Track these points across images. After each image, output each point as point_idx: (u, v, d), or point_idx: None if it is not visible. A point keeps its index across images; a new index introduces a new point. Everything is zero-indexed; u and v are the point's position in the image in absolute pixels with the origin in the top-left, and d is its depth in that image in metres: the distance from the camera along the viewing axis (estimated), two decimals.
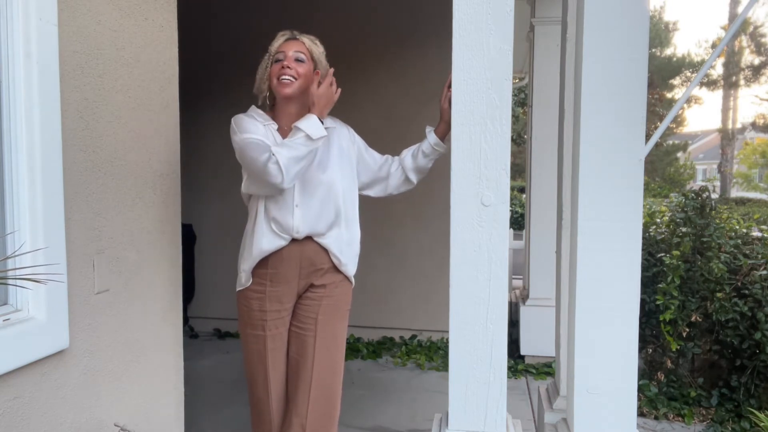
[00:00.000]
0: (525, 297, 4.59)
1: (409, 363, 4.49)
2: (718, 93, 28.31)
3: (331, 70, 2.07)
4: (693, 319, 3.59)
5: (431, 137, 2.22)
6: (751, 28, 23.78)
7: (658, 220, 4.30)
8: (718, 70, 25.77)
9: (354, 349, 4.67)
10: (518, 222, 13.37)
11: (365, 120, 3.45)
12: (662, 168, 24.04)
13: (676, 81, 25.31)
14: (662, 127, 1.93)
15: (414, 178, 2.29)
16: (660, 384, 3.70)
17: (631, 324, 1.72)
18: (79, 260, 1.80)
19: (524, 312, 4.45)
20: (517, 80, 7.45)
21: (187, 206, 2.61)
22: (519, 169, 18.26)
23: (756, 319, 3.43)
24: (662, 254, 3.80)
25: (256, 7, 4.78)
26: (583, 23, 1.69)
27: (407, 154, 2.27)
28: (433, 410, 2.94)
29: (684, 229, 3.78)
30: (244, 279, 2.14)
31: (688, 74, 25.00)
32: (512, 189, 11.91)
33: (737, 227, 3.97)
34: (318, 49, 2.13)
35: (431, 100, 4.31)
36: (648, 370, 3.85)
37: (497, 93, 1.64)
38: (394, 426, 3.40)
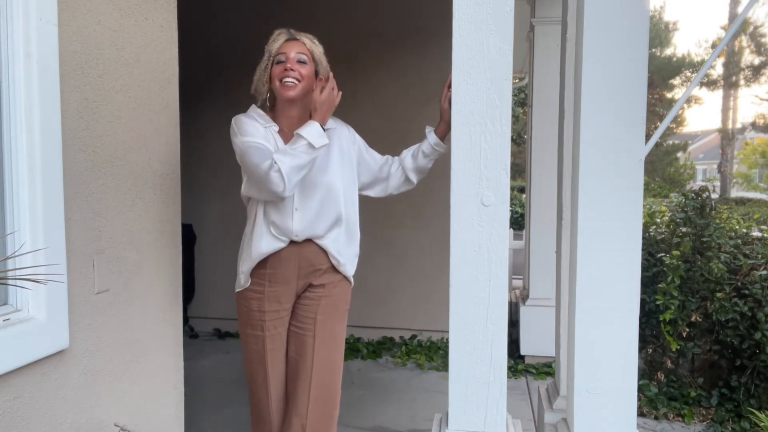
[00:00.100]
0: (525, 297, 4.59)
1: (409, 363, 4.49)
2: (718, 93, 28.33)
3: (332, 76, 2.05)
4: (693, 319, 3.59)
5: (431, 137, 2.22)
6: (751, 28, 23.79)
7: (658, 220, 4.30)
8: (718, 70, 25.80)
9: (354, 349, 4.67)
10: (518, 222, 13.37)
11: (365, 120, 3.45)
12: (662, 168, 24.04)
13: (676, 81, 25.31)
14: (662, 127, 1.93)
15: (414, 178, 2.28)
16: (660, 384, 3.70)
17: (631, 324, 1.72)
18: (79, 260, 1.80)
19: (524, 312, 4.45)
20: (517, 80, 7.45)
21: (187, 206, 2.61)
22: (519, 169, 18.26)
23: (756, 319, 3.43)
24: (662, 254, 3.80)
25: (256, 7, 4.78)
26: (583, 23, 1.69)
27: (407, 154, 2.27)
28: (433, 410, 2.94)
29: (684, 229, 3.78)
30: (243, 280, 2.14)
31: (688, 74, 25.01)
32: (512, 189, 11.92)
33: (737, 227, 3.98)
34: (318, 49, 2.11)
35: (431, 100, 4.31)
36: (648, 370, 3.85)
37: (497, 93, 1.64)
38: (394, 426, 3.40)
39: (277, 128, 2.09)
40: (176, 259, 2.27)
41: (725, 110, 26.80)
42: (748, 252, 3.72)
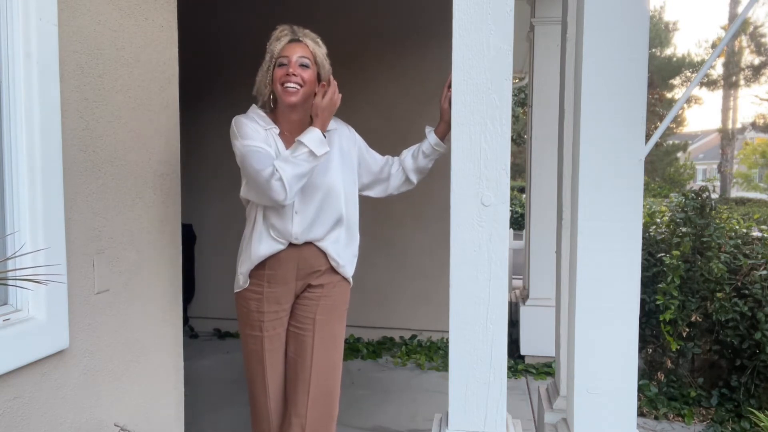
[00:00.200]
0: (525, 297, 4.59)
1: (409, 363, 4.49)
2: (718, 93, 28.33)
3: (334, 81, 2.03)
4: (693, 319, 3.59)
5: (431, 137, 2.21)
6: (751, 28, 23.78)
7: (658, 220, 4.30)
8: (718, 70, 25.80)
9: (354, 349, 4.67)
10: (518, 222, 13.36)
11: (365, 120, 3.45)
12: (662, 168, 24.04)
13: (676, 81, 25.31)
14: (662, 127, 1.93)
15: (414, 178, 2.28)
16: (660, 384, 3.70)
17: (631, 324, 1.72)
18: (79, 260, 1.80)
19: (524, 312, 4.45)
20: (517, 80, 7.45)
21: (187, 206, 2.61)
22: (519, 169, 18.26)
23: (756, 319, 3.43)
24: (662, 254, 3.80)
25: (256, 7, 4.78)
26: (583, 23, 1.69)
27: (407, 154, 2.27)
28: (433, 410, 2.94)
29: (684, 229, 3.78)
30: (241, 281, 2.14)
31: (688, 74, 25.01)
32: (512, 189, 11.91)
33: (737, 227, 3.98)
34: (321, 51, 2.08)
35: (431, 100, 4.31)
36: (648, 370, 3.85)
37: (497, 93, 1.64)
38: (394, 426, 3.40)
39: (277, 131, 2.08)
40: (176, 259, 2.27)
41: (725, 110, 26.81)
42: (748, 252, 3.73)
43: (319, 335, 2.13)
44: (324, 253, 2.13)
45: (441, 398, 3.38)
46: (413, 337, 4.86)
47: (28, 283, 1.29)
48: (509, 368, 4.18)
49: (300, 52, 2.03)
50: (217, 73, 4.94)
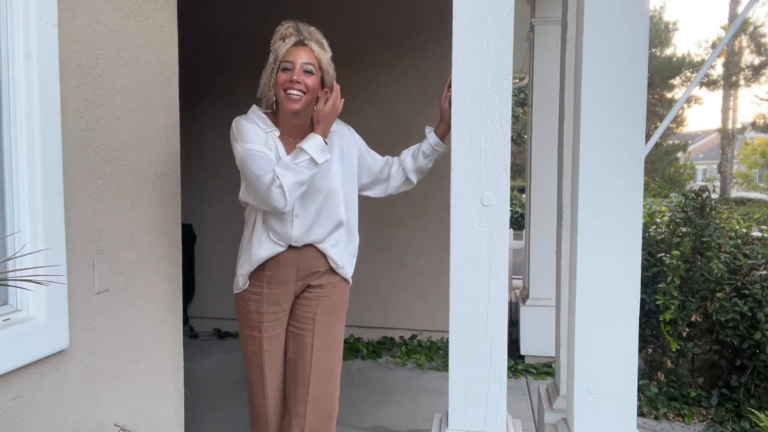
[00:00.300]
0: (525, 297, 4.59)
1: (409, 363, 4.49)
2: (718, 93, 28.33)
3: (338, 87, 2.02)
4: (693, 319, 3.59)
5: (431, 137, 2.21)
6: (751, 28, 23.78)
7: (658, 220, 4.30)
8: (718, 70, 25.80)
9: (354, 349, 4.67)
10: (518, 222, 13.37)
11: (365, 120, 3.45)
12: (662, 168, 24.04)
13: (676, 81, 25.31)
14: (662, 127, 1.93)
15: (414, 178, 2.28)
16: (660, 384, 3.70)
17: (631, 324, 1.72)
18: (79, 260, 1.80)
19: (524, 312, 4.45)
20: (517, 80, 7.45)
21: (187, 206, 2.61)
22: (519, 169, 18.26)
23: (756, 319, 3.43)
24: (662, 254, 3.80)
25: (256, 7, 4.78)
26: (583, 23, 1.69)
27: (407, 154, 2.26)
28: (433, 410, 2.94)
29: (684, 229, 3.78)
30: (241, 283, 2.14)
31: (688, 74, 25.01)
32: (512, 189, 11.92)
33: (737, 227, 3.98)
34: (326, 57, 2.04)
35: (431, 100, 4.31)
36: (648, 370, 3.84)
37: (497, 93, 1.64)
38: (394, 426, 3.40)
39: (278, 133, 2.07)
40: (176, 259, 2.27)
41: (725, 110, 26.81)
42: (748, 252, 3.72)
43: (319, 335, 2.13)
44: (324, 255, 2.13)
45: (441, 398, 3.38)
46: (413, 337, 4.86)
47: (29, 283, 1.29)
48: (509, 368, 4.18)
49: (305, 58, 2.00)
50: (217, 73, 4.94)
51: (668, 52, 26.04)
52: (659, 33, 25.47)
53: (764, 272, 3.50)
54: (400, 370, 4.36)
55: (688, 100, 25.34)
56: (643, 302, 3.59)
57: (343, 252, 2.17)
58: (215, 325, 5.07)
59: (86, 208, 1.83)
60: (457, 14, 1.64)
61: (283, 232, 2.06)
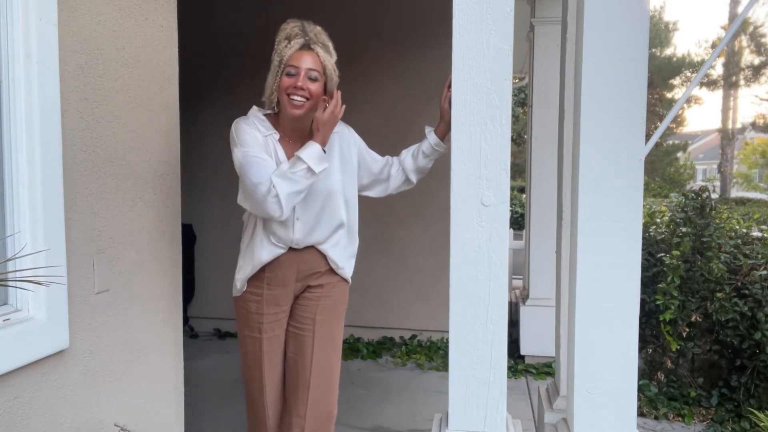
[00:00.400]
0: (525, 297, 4.59)
1: (409, 363, 4.49)
2: (718, 93, 28.34)
3: (339, 93, 2.00)
4: (693, 319, 3.59)
5: (431, 137, 2.21)
6: (751, 28, 23.79)
7: (658, 220, 4.31)
8: (718, 70, 25.80)
9: (354, 349, 4.67)
10: (518, 222, 13.36)
11: (365, 120, 3.45)
12: (662, 168, 24.05)
13: (676, 81, 25.32)
14: (662, 127, 1.93)
15: (414, 178, 2.28)
16: (660, 384, 3.70)
17: (631, 324, 1.72)
18: (79, 260, 1.80)
19: (524, 312, 4.45)
20: (517, 80, 7.45)
21: (187, 206, 2.60)
22: (519, 169, 18.26)
23: (756, 319, 3.43)
24: (662, 254, 3.80)
25: (256, 7, 4.78)
26: (583, 23, 1.69)
27: (407, 154, 2.26)
28: (433, 410, 2.94)
29: (684, 229, 3.78)
30: (239, 285, 2.14)
31: (688, 74, 25.01)
32: (512, 189, 11.91)
33: (737, 227, 3.98)
34: (331, 61, 2.03)
35: (431, 100, 4.31)
36: (648, 370, 3.85)
37: (497, 93, 1.63)
38: (394, 426, 3.40)
39: (277, 136, 2.06)
40: (176, 259, 2.27)
41: (725, 110, 26.81)
42: (748, 252, 3.73)
43: (319, 335, 2.13)
44: (324, 256, 2.13)
45: (441, 398, 3.38)
46: (413, 337, 4.86)
47: (29, 283, 1.29)
48: (509, 368, 4.18)
49: (310, 63, 1.98)
50: (217, 73, 4.94)
51: (668, 52, 26.05)
52: (659, 33, 25.47)
53: (764, 272, 3.50)
54: (400, 370, 4.36)
55: (688, 100, 25.34)
56: (643, 302, 3.59)
57: (343, 253, 2.17)
58: (215, 325, 5.07)
59: (86, 208, 1.83)
60: (457, 14, 1.64)
61: (284, 235, 2.05)
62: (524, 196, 6.67)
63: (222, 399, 3.70)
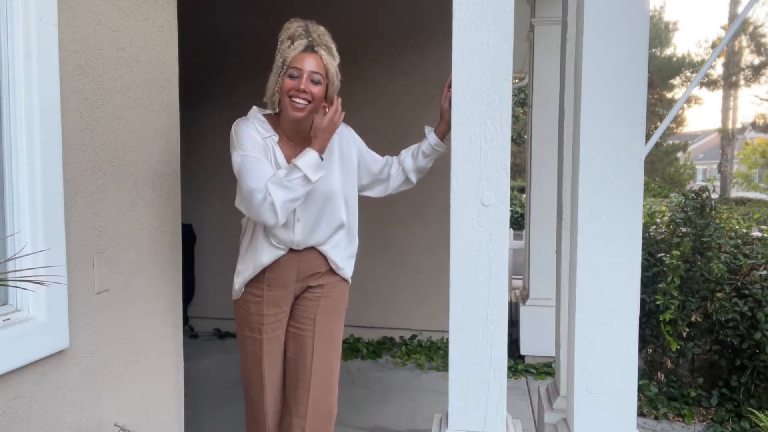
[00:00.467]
0: (525, 297, 4.59)
1: (409, 363, 4.49)
2: (718, 93, 28.35)
3: (339, 100, 1.99)
4: (693, 319, 3.59)
5: (431, 137, 2.20)
6: (751, 28, 23.79)
7: (658, 220, 4.31)
8: (718, 70, 25.81)
9: (354, 349, 4.67)
10: (518, 222, 13.37)
11: (365, 120, 3.45)
12: (662, 168, 24.05)
13: (676, 81, 25.32)
14: (662, 127, 1.93)
15: (414, 178, 2.28)
16: (660, 384, 3.70)
17: (631, 324, 1.72)
18: (79, 260, 1.80)
19: (524, 312, 4.45)
20: (517, 80, 7.45)
21: (187, 206, 2.60)
22: (519, 169, 18.26)
23: (756, 319, 3.43)
24: (662, 254, 3.80)
25: (256, 7, 4.78)
26: (583, 23, 1.69)
27: (407, 154, 2.26)
28: (433, 410, 2.94)
29: (684, 229, 3.78)
30: (237, 286, 2.13)
31: (688, 74, 25.02)
32: (512, 189, 11.91)
33: (737, 227, 3.98)
34: (334, 64, 2.02)
35: (431, 100, 4.31)
36: (648, 370, 3.85)
37: (497, 93, 1.63)
38: (394, 426, 3.40)
39: (277, 138, 2.05)
40: (176, 259, 2.27)
41: (725, 110, 26.81)
42: (748, 252, 3.73)
43: (320, 335, 2.13)
44: (324, 256, 2.12)
45: (441, 398, 3.38)
46: (413, 337, 4.86)
47: (29, 283, 1.29)
48: (509, 368, 4.18)
49: (313, 66, 1.96)
50: (217, 73, 4.94)
51: (668, 52, 26.05)
52: (659, 33, 25.48)
53: (764, 272, 3.50)
54: (400, 370, 4.36)
55: (688, 100, 25.35)
56: (643, 302, 3.58)
57: (343, 253, 2.17)
58: (215, 325, 5.07)
59: (86, 208, 1.83)
60: (457, 14, 1.64)
61: (285, 236, 2.05)
62: (524, 196, 6.67)
63: (222, 399, 3.70)
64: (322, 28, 2.04)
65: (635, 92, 1.68)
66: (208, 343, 4.90)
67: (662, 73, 23.98)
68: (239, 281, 2.12)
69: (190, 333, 5.03)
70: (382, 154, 2.29)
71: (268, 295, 2.10)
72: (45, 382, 1.68)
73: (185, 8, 2.58)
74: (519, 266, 5.96)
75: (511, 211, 8.40)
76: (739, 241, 3.79)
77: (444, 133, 2.18)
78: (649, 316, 3.77)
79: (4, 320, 1.59)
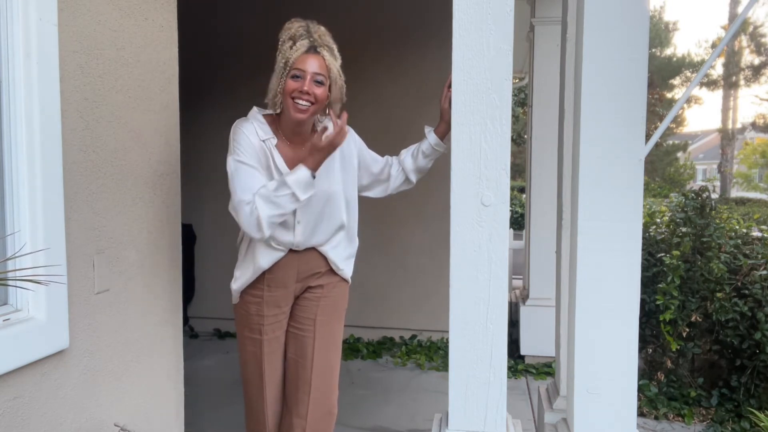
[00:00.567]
0: (525, 297, 4.59)
1: (409, 363, 4.49)
2: (718, 93, 28.35)
3: (345, 117, 1.94)
4: (693, 319, 3.59)
5: (431, 137, 2.20)
6: (751, 28, 23.79)
7: (658, 220, 4.30)
8: (718, 70, 25.81)
9: (354, 349, 4.67)
10: (518, 222, 13.36)
11: (365, 120, 3.45)
12: (662, 168, 24.05)
13: (676, 81, 25.32)
14: (662, 127, 1.93)
15: (414, 178, 2.27)
16: (660, 384, 3.70)
17: (631, 324, 1.72)
18: (79, 260, 1.80)
19: (524, 312, 4.45)
20: (517, 80, 7.45)
21: (187, 206, 2.60)
22: (519, 169, 18.26)
23: (756, 319, 3.43)
24: (662, 254, 3.80)
25: (256, 7, 4.78)
26: (583, 23, 1.69)
27: (407, 154, 2.25)
28: (433, 410, 2.94)
29: (684, 229, 3.78)
30: (235, 293, 2.13)
31: (688, 74, 25.02)
32: (512, 189, 11.91)
33: (737, 227, 3.98)
34: (336, 66, 2.00)
35: (431, 100, 4.30)
36: (648, 370, 3.85)
37: (497, 93, 1.63)
38: (394, 426, 3.40)
39: (275, 141, 2.03)
40: (176, 259, 2.27)
41: (725, 110, 26.81)
42: (748, 252, 3.73)
43: (320, 336, 2.13)
44: (324, 257, 2.12)
45: (441, 398, 3.38)
46: (413, 337, 4.86)
47: (29, 283, 1.29)
48: (509, 368, 4.18)
49: (316, 67, 1.95)
50: (217, 73, 4.94)
51: (668, 52, 26.05)
52: (659, 33, 25.48)
53: (764, 272, 3.50)
54: (400, 370, 4.36)
55: (688, 100, 25.35)
56: (643, 302, 3.58)
57: (343, 253, 2.17)
58: (215, 325, 5.07)
59: (86, 208, 1.83)
60: (457, 14, 1.64)
61: (285, 238, 2.04)
62: (524, 196, 6.67)
63: (222, 399, 3.70)
64: (323, 29, 2.03)
65: (635, 92, 1.68)
66: (208, 343, 4.90)
67: (662, 73, 23.98)
68: (236, 287, 2.11)
69: (190, 333, 5.03)
70: (382, 154, 2.29)
71: (268, 296, 2.10)
72: (45, 382, 1.68)
73: (185, 8, 2.58)
74: (519, 266, 5.96)
75: (511, 211, 8.40)
76: (739, 241, 3.79)
77: (444, 133, 2.18)
78: (649, 316, 3.77)
79: (4, 320, 1.59)
